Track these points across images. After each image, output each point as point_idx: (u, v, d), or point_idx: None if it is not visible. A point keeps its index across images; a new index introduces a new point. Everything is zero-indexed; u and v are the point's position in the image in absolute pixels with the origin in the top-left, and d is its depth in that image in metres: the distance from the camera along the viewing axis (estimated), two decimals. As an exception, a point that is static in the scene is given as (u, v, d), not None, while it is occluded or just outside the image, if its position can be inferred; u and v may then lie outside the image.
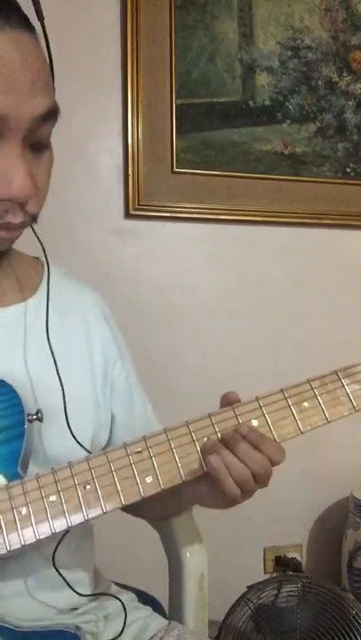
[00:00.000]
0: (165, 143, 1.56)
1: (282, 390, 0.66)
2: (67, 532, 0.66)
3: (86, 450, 0.69)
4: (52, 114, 0.61)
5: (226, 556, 1.61)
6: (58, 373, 0.70)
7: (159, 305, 1.61)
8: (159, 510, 0.87)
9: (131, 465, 0.62)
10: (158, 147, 1.56)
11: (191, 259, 1.64)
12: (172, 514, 0.91)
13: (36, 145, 0.62)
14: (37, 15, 0.64)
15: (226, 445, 0.63)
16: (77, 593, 0.73)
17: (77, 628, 0.69)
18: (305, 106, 1.68)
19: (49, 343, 0.71)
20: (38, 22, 0.64)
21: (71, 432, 0.69)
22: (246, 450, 0.63)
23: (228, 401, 0.67)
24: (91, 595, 0.77)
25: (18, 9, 0.60)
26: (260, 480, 0.64)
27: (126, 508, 0.87)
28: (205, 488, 0.67)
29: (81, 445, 0.69)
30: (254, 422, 0.65)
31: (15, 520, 0.60)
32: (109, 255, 1.57)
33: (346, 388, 0.66)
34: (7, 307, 0.73)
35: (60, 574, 0.70)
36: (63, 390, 0.70)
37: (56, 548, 0.68)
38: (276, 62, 1.65)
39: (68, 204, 1.52)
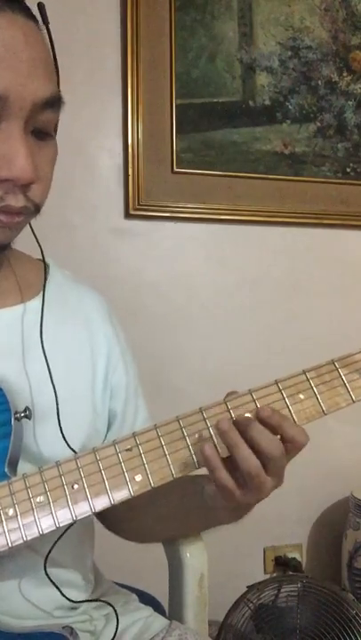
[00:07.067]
0: (165, 143, 1.56)
1: (276, 382, 0.63)
2: (65, 531, 0.66)
3: (75, 453, 0.68)
4: (53, 100, 0.61)
5: (226, 556, 1.61)
6: (51, 377, 0.70)
7: (159, 305, 1.61)
8: (169, 529, 0.85)
9: (120, 463, 0.61)
10: (158, 147, 1.56)
11: (191, 259, 1.63)
12: (182, 531, 0.87)
13: (39, 133, 0.62)
14: (42, 19, 0.65)
15: (237, 427, 0.59)
16: (68, 599, 0.72)
17: (68, 628, 0.69)
18: (305, 106, 1.67)
19: (42, 347, 0.71)
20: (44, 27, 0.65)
21: (63, 436, 0.69)
22: (261, 431, 0.58)
23: None
24: (81, 601, 0.76)
25: (19, 1, 0.61)
26: (273, 470, 0.59)
27: (139, 534, 0.86)
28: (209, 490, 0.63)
29: (72, 449, 0.69)
30: (247, 416, 0.62)
31: (2, 521, 0.59)
32: (109, 255, 1.57)
33: (343, 378, 0.63)
34: (5, 308, 0.73)
35: (51, 580, 0.69)
36: (56, 394, 0.70)
37: (48, 554, 0.68)
38: (276, 62, 1.65)
39: (67, 203, 1.52)
